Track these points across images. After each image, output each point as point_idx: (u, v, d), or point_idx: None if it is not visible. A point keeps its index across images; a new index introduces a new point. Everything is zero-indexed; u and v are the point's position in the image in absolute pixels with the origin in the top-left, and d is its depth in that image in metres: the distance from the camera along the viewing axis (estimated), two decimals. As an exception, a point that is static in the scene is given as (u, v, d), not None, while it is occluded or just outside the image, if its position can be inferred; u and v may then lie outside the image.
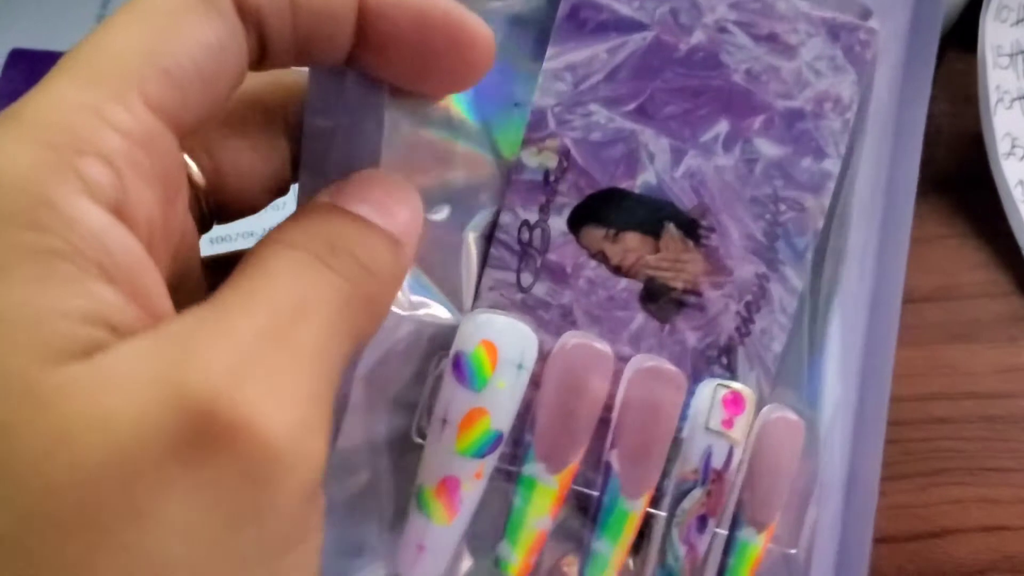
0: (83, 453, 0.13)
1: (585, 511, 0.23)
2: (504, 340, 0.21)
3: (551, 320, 0.23)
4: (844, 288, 0.24)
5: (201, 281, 0.21)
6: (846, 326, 0.24)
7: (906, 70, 0.24)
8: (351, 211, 0.18)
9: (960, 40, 0.35)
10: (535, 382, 0.22)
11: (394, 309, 0.22)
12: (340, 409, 0.21)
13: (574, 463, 0.22)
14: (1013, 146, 0.34)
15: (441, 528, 0.21)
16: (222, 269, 0.17)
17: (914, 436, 0.31)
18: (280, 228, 0.17)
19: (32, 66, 0.37)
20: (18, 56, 0.37)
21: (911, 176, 0.24)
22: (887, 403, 0.24)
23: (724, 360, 0.24)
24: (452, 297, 0.23)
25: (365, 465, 0.22)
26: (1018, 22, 0.33)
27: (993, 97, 0.34)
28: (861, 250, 0.24)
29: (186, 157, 0.20)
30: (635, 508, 0.22)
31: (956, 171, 0.36)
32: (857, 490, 0.24)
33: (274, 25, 0.17)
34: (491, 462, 0.22)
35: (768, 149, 0.24)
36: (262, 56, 0.18)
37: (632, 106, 0.24)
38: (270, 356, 0.14)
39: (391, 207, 0.19)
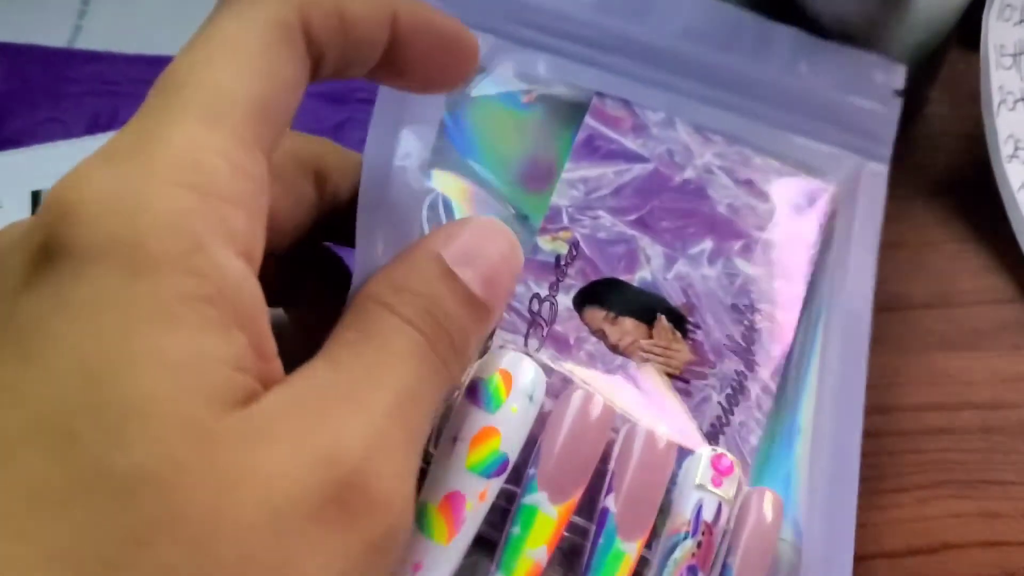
0: (245, 506, 0.14)
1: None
2: (519, 371, 0.23)
3: (552, 383, 0.25)
4: (812, 398, 0.27)
5: None
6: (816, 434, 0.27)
7: (861, 220, 0.29)
8: (459, 277, 0.19)
9: (962, 39, 0.33)
10: (540, 420, 0.23)
11: None
12: None
13: (574, 499, 0.23)
14: (1016, 148, 0.33)
15: (439, 547, 0.21)
16: None
17: (912, 447, 0.30)
18: (390, 283, 0.18)
19: (10, 61, 0.35)
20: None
21: (866, 303, 0.28)
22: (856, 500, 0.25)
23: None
24: None
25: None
26: (1021, 21, 0.33)
27: (996, 98, 0.33)
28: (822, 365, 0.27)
29: None
30: (630, 551, 0.22)
31: (957, 174, 0.35)
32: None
33: (328, 57, 0.18)
34: (495, 488, 0.22)
35: (746, 268, 0.28)
36: None
37: (633, 217, 0.28)
38: (394, 435, 0.16)
39: (494, 279, 0.19)
